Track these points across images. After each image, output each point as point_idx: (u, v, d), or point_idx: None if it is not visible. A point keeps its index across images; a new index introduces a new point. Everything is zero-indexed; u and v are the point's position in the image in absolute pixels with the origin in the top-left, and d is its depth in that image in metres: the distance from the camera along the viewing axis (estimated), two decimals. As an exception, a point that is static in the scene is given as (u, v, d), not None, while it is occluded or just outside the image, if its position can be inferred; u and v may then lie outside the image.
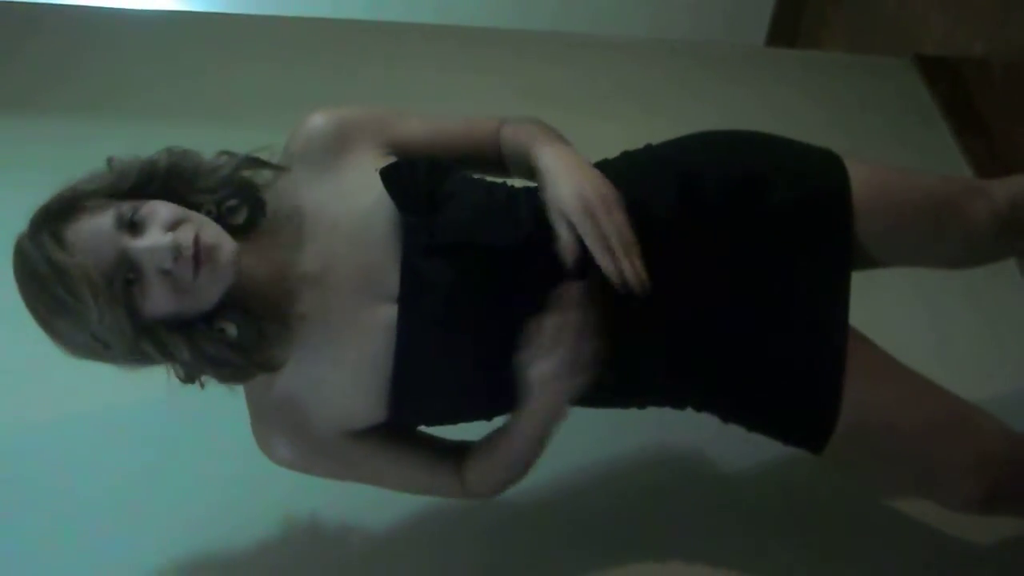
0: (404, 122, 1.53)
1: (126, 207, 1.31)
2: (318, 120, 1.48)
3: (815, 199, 1.50)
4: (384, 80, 2.69)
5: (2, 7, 2.92)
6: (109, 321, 1.27)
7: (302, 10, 3.11)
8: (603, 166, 1.54)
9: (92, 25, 2.91)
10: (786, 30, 3.90)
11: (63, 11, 3.00)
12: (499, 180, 1.53)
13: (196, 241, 1.29)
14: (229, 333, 1.35)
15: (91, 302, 1.25)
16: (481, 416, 1.53)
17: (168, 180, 1.38)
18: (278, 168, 1.46)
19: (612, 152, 1.58)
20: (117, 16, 3.04)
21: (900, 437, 1.50)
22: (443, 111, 1.57)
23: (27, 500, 1.82)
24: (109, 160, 1.38)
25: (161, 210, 1.31)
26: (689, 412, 1.57)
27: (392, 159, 1.46)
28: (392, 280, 1.41)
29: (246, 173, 1.43)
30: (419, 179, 1.42)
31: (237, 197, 1.42)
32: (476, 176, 1.51)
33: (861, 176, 1.54)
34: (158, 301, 1.30)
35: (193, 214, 1.34)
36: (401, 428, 1.53)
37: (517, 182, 1.53)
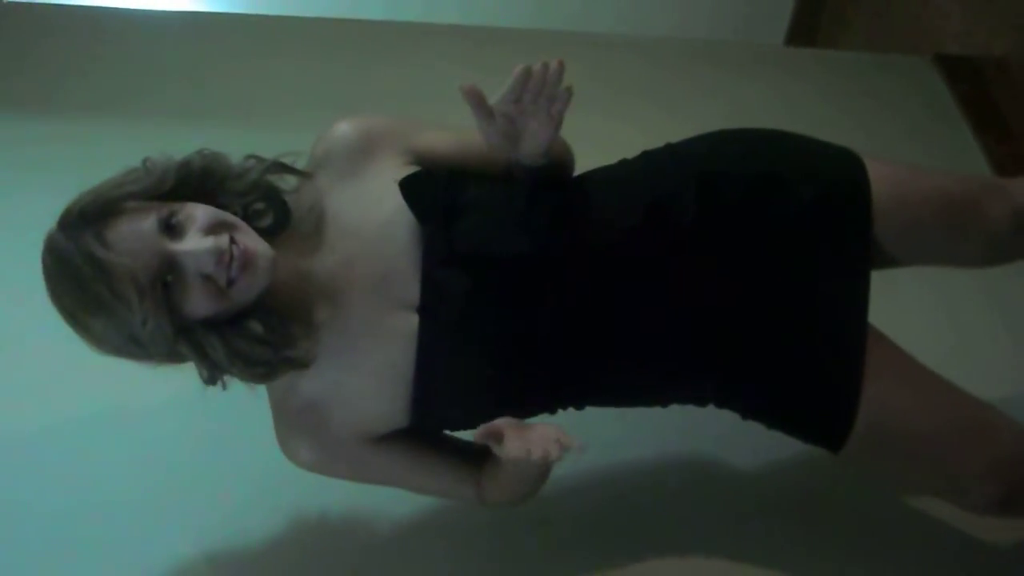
0: (427, 133, 1.53)
1: (166, 210, 1.32)
2: (344, 127, 1.49)
3: (835, 198, 1.50)
4: (402, 81, 2.69)
5: (14, 7, 2.93)
6: (152, 323, 1.28)
7: (320, 10, 3.12)
8: (623, 165, 1.54)
9: (104, 26, 2.92)
10: (806, 29, 3.89)
11: (75, 11, 3.01)
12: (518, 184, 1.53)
13: (234, 245, 1.30)
14: (255, 331, 1.36)
15: (136, 303, 1.26)
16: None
17: (201, 182, 1.39)
18: (303, 174, 1.47)
19: (631, 151, 1.59)
20: (129, 17, 3.05)
21: (918, 438, 1.50)
22: (462, 112, 1.57)
23: (45, 499, 1.84)
24: (144, 161, 1.38)
25: (199, 214, 1.33)
26: (707, 409, 1.57)
27: (413, 168, 1.47)
28: (412, 289, 1.42)
29: (272, 178, 1.44)
30: (438, 190, 1.43)
31: (263, 201, 1.44)
32: (497, 183, 1.51)
33: (880, 175, 1.54)
34: (197, 303, 1.31)
35: (229, 217, 1.35)
36: (422, 433, 1.54)
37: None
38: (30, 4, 2.98)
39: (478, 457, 1.54)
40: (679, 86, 2.82)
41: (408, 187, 1.42)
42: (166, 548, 1.77)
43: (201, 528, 1.80)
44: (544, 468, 1.48)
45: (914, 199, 1.54)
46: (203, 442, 1.90)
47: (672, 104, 2.70)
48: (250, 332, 1.36)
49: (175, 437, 1.92)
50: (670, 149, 1.58)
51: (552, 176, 1.46)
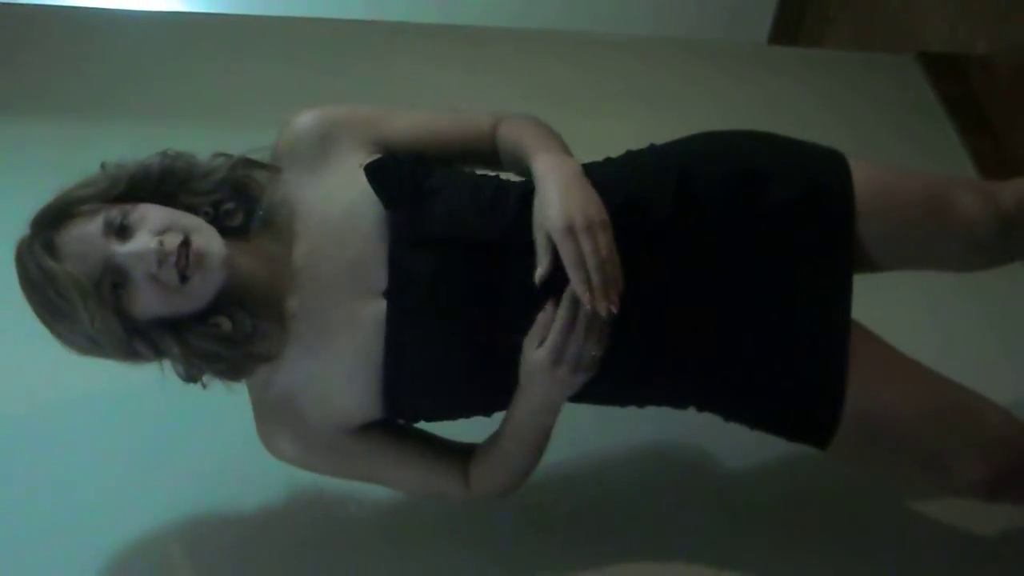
0: (393, 119, 1.53)
1: (115, 212, 1.33)
2: (305, 119, 1.49)
3: (818, 198, 1.50)
4: (386, 80, 2.68)
5: (2, 9, 2.91)
6: (99, 325, 1.31)
7: (303, 10, 3.11)
8: (606, 164, 1.53)
9: (90, 27, 2.90)
10: (789, 28, 3.90)
11: (62, 12, 2.99)
12: (489, 173, 1.53)
13: (184, 245, 1.31)
14: (223, 328, 1.38)
15: (80, 307, 1.29)
16: (478, 411, 1.53)
17: (161, 183, 1.40)
18: (271, 168, 1.47)
19: (615, 151, 1.58)
20: (115, 17, 3.03)
21: (905, 426, 1.50)
22: (443, 110, 1.56)
23: (30, 484, 1.83)
24: (102, 165, 1.41)
25: (151, 214, 1.34)
26: (690, 411, 1.57)
27: (378, 156, 1.47)
28: (380, 274, 1.41)
29: (241, 174, 1.44)
30: (404, 174, 1.43)
31: (232, 199, 1.43)
32: (464, 170, 1.52)
33: (864, 175, 1.53)
34: (147, 303, 1.33)
35: (184, 218, 1.35)
36: (403, 428, 1.54)
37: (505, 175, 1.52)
38: (14, 4, 2.96)
39: (460, 453, 1.55)
40: (662, 84, 2.82)
41: (373, 171, 1.42)
42: (145, 530, 1.77)
43: (181, 511, 1.79)
44: (543, 441, 1.49)
45: (898, 200, 1.54)
46: (184, 428, 1.89)
47: (655, 102, 2.70)
48: (215, 329, 1.37)
49: (155, 424, 1.90)
50: (653, 150, 1.57)
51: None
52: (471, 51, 2.90)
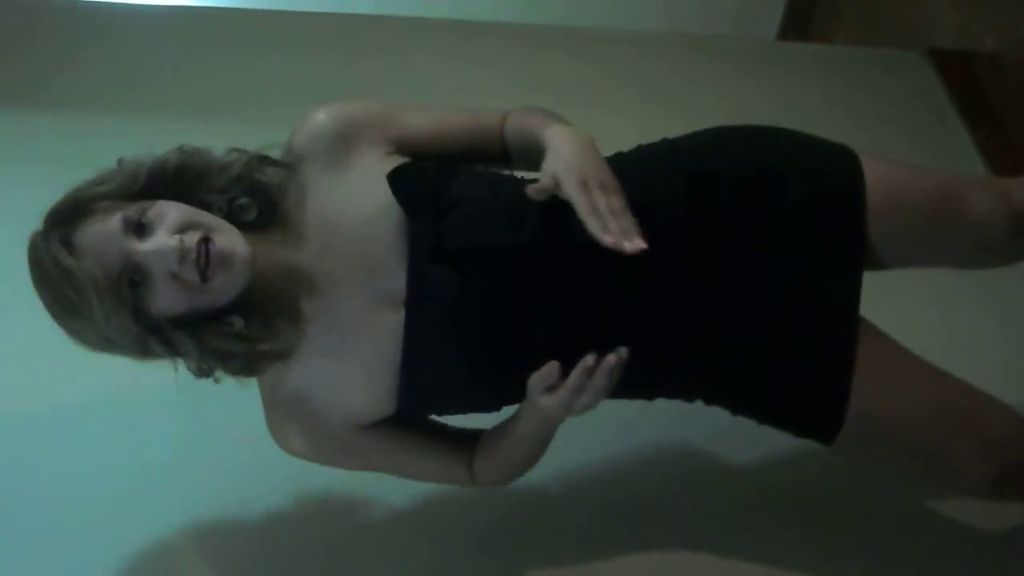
0: (407, 117, 1.52)
1: (133, 209, 1.32)
2: (321, 117, 1.48)
3: (829, 195, 1.50)
4: (393, 75, 2.68)
5: (3, 2, 2.91)
6: (115, 323, 1.30)
7: (310, 5, 3.10)
8: (617, 159, 1.53)
9: (95, 20, 2.91)
10: (798, 24, 3.89)
11: (66, 6, 3.00)
12: (505, 173, 1.52)
13: (204, 242, 1.30)
14: (236, 326, 1.37)
15: (97, 306, 1.28)
16: (489, 408, 1.53)
17: (178, 179, 1.39)
18: (286, 166, 1.46)
19: (624, 146, 1.58)
20: (120, 11, 3.03)
21: (910, 423, 1.50)
22: (455, 107, 1.56)
23: (40, 487, 1.83)
24: (119, 161, 1.39)
25: (170, 212, 1.32)
26: (698, 405, 1.57)
27: (397, 158, 1.46)
28: (399, 284, 1.41)
29: (256, 171, 1.44)
30: (427, 184, 1.41)
31: (247, 195, 1.43)
32: (482, 172, 1.50)
33: (876, 173, 1.53)
34: (167, 301, 1.32)
35: (203, 216, 1.35)
36: (412, 418, 1.54)
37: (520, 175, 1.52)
38: (20, -1, 2.97)
39: (467, 440, 1.55)
40: (671, 81, 2.82)
41: (396, 181, 1.41)
42: (154, 533, 1.77)
43: (191, 511, 1.80)
44: (544, 446, 1.49)
45: (909, 198, 1.53)
46: (193, 427, 1.90)
47: (665, 98, 2.70)
48: (229, 328, 1.36)
49: (167, 422, 1.91)
50: (666, 144, 1.57)
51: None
52: (480, 46, 2.90)
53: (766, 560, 1.75)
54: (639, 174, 1.48)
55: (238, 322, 1.37)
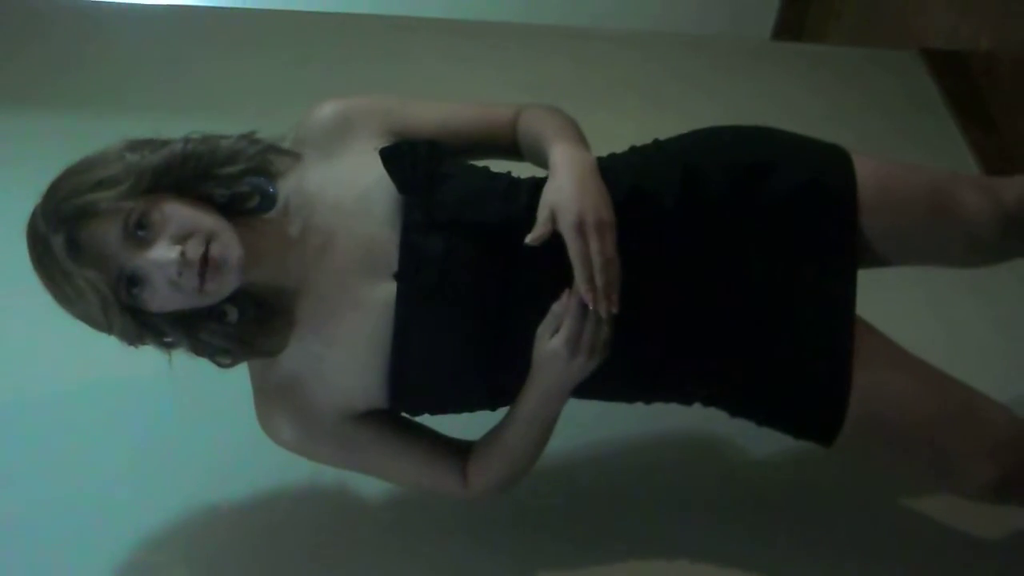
0: (413, 109, 1.54)
1: (135, 214, 1.31)
2: (325, 108, 1.51)
3: (821, 193, 1.50)
4: (390, 75, 2.68)
5: (4, 2, 2.91)
6: (117, 325, 1.34)
7: (308, 5, 3.11)
8: (611, 160, 1.54)
9: (94, 20, 2.90)
10: (792, 24, 3.89)
11: (67, 5, 2.99)
12: (503, 170, 1.53)
13: (204, 253, 1.31)
14: (230, 316, 1.40)
15: (98, 310, 1.31)
16: (484, 403, 1.53)
17: (182, 172, 1.38)
18: (294, 155, 1.47)
19: (619, 146, 1.58)
20: (119, 11, 3.02)
21: (910, 426, 1.50)
22: (464, 101, 1.57)
23: (30, 480, 1.83)
24: (124, 150, 1.38)
25: (172, 216, 1.33)
26: (696, 407, 1.57)
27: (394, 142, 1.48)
28: (391, 257, 1.42)
29: (262, 161, 1.44)
30: (419, 159, 1.43)
31: (250, 186, 1.43)
32: (476, 164, 1.52)
33: (867, 171, 1.53)
34: (164, 303, 1.34)
35: (205, 219, 1.35)
36: (405, 421, 1.55)
37: (520, 171, 1.53)
38: (18, -2, 2.96)
39: (459, 450, 1.55)
40: (666, 80, 2.82)
41: (388, 156, 1.43)
42: (146, 525, 1.77)
43: (182, 507, 1.79)
44: (547, 432, 1.50)
45: (901, 195, 1.54)
46: (187, 412, 1.90)
47: (659, 98, 2.70)
48: (222, 321, 1.39)
49: (156, 419, 1.91)
50: (658, 145, 1.57)
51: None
52: (475, 46, 2.90)
53: (765, 561, 1.75)
54: (632, 172, 1.49)
55: (232, 312, 1.40)
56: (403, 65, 2.75)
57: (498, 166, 1.54)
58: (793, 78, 2.86)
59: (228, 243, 1.34)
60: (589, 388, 1.46)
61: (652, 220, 1.45)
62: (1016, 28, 2.69)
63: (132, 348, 1.40)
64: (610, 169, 1.47)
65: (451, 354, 1.44)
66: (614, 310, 1.36)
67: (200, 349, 1.40)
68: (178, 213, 1.34)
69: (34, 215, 1.34)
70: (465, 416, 1.55)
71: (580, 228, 1.35)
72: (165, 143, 1.40)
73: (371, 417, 1.50)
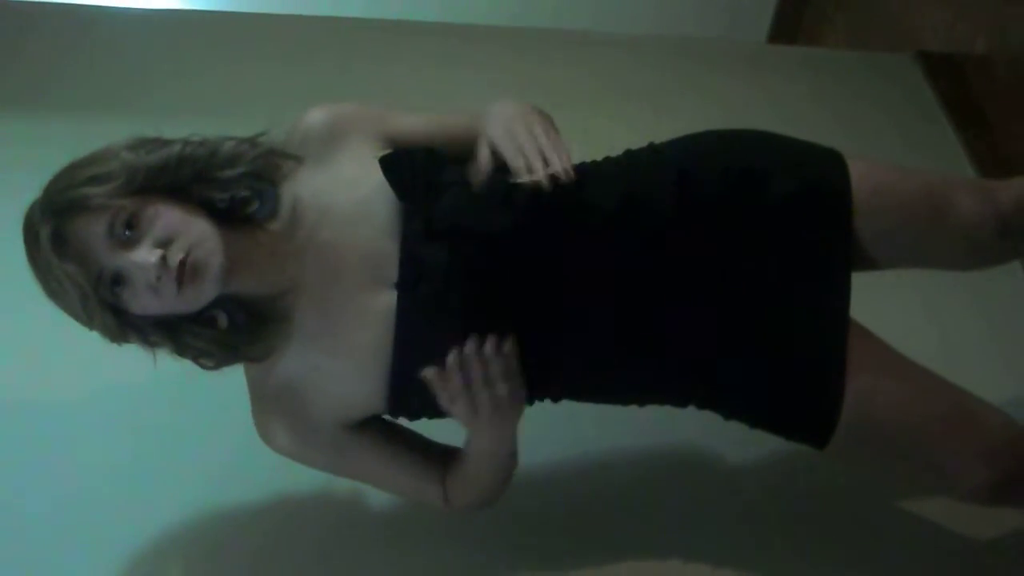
0: (401, 117, 1.55)
1: (124, 214, 1.31)
2: (315, 115, 1.51)
3: (815, 196, 1.50)
4: (384, 78, 2.68)
5: (2, 6, 2.91)
6: (98, 322, 1.34)
7: (303, 8, 3.10)
8: (606, 163, 1.54)
9: (92, 24, 2.90)
10: (788, 27, 3.90)
11: (64, 10, 2.99)
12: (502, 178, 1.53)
13: (184, 259, 1.31)
14: (220, 323, 1.40)
15: (79, 306, 1.32)
16: None
17: (178, 175, 1.38)
18: (296, 159, 1.47)
19: (614, 150, 1.58)
20: (117, 15, 3.03)
21: (904, 429, 1.49)
22: (443, 109, 1.57)
23: (28, 484, 1.83)
24: (124, 148, 1.38)
25: (159, 220, 1.33)
26: (690, 410, 1.57)
27: (389, 150, 1.48)
28: (391, 267, 1.42)
29: (261, 165, 1.44)
30: (417, 167, 1.43)
31: (249, 191, 1.42)
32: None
33: (862, 174, 1.53)
34: (145, 305, 1.34)
35: (192, 225, 1.34)
36: (398, 429, 1.55)
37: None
38: (16, 2, 2.95)
39: (445, 461, 1.55)
40: (661, 84, 2.82)
41: (387, 164, 1.43)
42: (144, 530, 1.77)
43: (179, 511, 1.79)
44: (509, 461, 1.50)
45: (896, 199, 1.54)
46: (186, 416, 1.90)
47: (655, 101, 2.70)
48: (209, 326, 1.39)
49: (153, 424, 1.91)
50: (652, 148, 1.57)
51: None
52: (470, 50, 2.90)
53: (761, 562, 1.75)
54: (627, 175, 1.49)
55: (222, 318, 1.39)
56: (399, 69, 2.75)
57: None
58: (789, 81, 2.86)
59: (211, 251, 1.33)
60: (582, 391, 1.46)
61: (647, 226, 1.45)
62: (1011, 31, 2.70)
63: (117, 346, 1.40)
64: (604, 173, 1.47)
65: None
66: (570, 175, 1.38)
67: (183, 351, 1.40)
68: (166, 216, 1.33)
69: (32, 205, 1.35)
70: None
71: (509, 131, 1.39)
72: (168, 143, 1.40)
73: (366, 426, 1.50)
